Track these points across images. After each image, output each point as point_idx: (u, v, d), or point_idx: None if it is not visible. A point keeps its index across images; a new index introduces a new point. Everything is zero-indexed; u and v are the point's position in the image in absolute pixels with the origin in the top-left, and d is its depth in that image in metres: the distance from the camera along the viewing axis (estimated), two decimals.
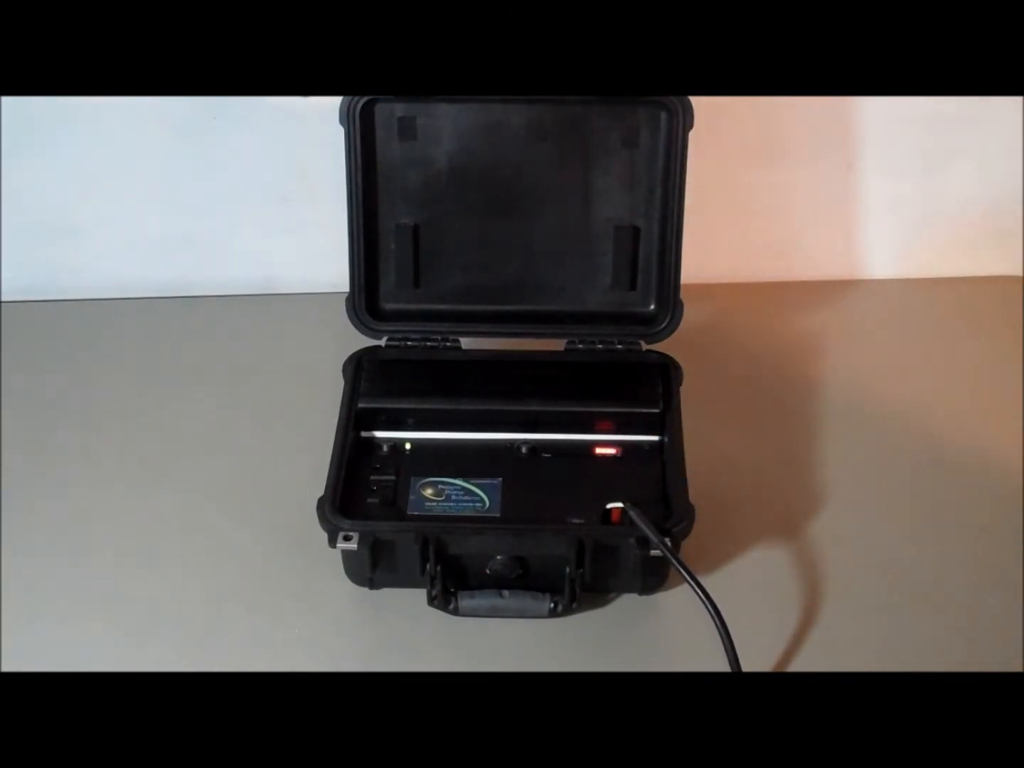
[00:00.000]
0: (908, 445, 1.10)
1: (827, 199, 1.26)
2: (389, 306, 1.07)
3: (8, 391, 1.14)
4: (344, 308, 1.06)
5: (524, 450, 1.00)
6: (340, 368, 1.05)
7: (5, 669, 0.90)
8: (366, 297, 1.05)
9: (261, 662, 0.90)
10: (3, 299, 1.24)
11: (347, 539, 0.90)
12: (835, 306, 1.26)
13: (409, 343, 1.06)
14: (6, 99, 1.14)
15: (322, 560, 0.95)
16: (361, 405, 1.01)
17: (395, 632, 0.94)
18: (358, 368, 1.04)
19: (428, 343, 1.06)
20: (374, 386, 1.03)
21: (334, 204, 1.05)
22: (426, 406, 1.02)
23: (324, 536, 0.92)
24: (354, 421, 1.00)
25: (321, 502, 0.92)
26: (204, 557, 0.99)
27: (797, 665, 0.91)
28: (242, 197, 1.23)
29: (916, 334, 1.24)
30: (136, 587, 0.97)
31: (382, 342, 1.07)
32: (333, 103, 1.00)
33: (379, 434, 1.02)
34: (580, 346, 1.06)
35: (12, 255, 1.24)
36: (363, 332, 1.06)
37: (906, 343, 1.22)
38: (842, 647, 0.93)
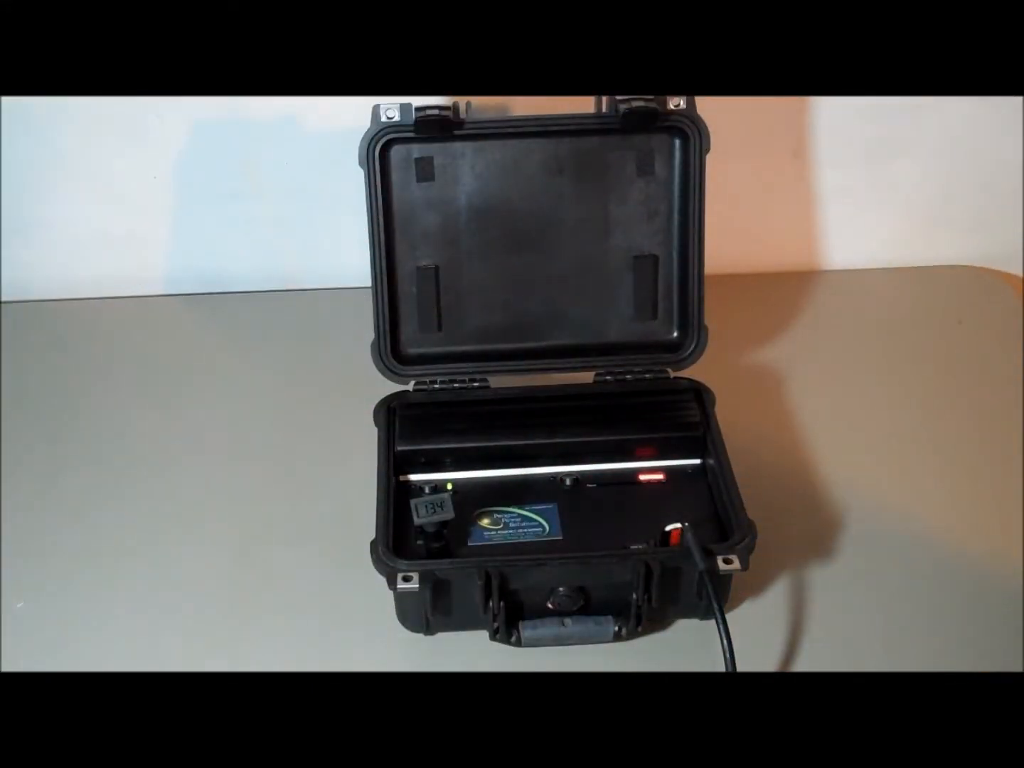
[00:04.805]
0: (891, 438, 1.12)
1: (773, 189, 1.27)
2: (412, 350, 1.05)
3: (8, 391, 1.14)
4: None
5: (568, 482, 0.99)
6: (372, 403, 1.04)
7: (10, 669, 0.90)
8: (391, 341, 1.04)
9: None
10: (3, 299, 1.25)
11: (407, 580, 0.88)
12: (792, 297, 1.27)
13: (436, 386, 1.05)
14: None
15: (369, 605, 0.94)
16: (399, 448, 0.99)
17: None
18: (390, 413, 1.03)
19: (455, 384, 1.05)
20: (409, 429, 1.01)
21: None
22: (466, 444, 1.00)
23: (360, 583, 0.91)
24: (393, 465, 0.98)
25: (374, 545, 0.90)
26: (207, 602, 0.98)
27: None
28: (245, 197, 1.24)
29: (872, 324, 1.26)
30: (154, 597, 0.97)
31: (409, 386, 1.05)
32: (340, 107, 1.03)
33: (418, 476, 1.00)
34: (608, 378, 1.06)
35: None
36: (389, 377, 1.04)
37: (861, 333, 1.24)
38: (839, 647, 0.93)
